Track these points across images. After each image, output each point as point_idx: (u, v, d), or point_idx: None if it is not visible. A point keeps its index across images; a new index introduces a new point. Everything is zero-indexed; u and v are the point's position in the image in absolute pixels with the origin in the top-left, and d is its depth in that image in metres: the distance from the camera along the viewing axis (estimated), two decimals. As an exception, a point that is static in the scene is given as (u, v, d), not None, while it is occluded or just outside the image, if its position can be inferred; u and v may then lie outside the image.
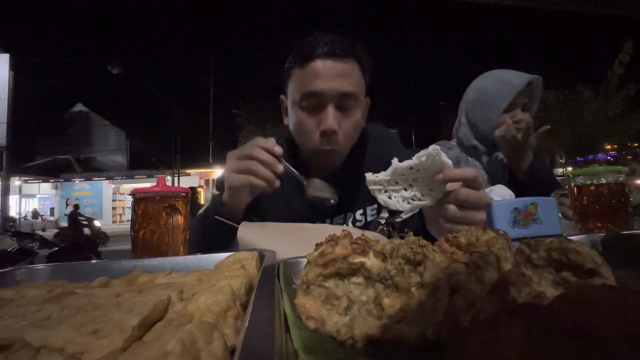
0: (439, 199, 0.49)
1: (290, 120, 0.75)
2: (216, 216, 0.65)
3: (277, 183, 0.59)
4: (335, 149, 0.70)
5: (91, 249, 3.51)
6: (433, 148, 0.46)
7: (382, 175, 0.49)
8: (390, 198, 0.49)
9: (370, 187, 0.50)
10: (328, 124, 0.66)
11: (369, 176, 0.49)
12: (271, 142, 0.59)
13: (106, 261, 0.43)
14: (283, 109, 0.80)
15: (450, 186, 0.48)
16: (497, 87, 1.06)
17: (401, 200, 0.49)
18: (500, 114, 1.04)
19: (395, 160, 0.48)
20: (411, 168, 0.47)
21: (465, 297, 0.22)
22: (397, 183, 0.49)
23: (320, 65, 0.67)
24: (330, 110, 0.67)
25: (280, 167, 0.58)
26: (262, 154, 0.57)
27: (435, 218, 0.55)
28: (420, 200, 0.49)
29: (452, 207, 0.49)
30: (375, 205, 0.88)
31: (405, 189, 0.49)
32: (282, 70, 0.75)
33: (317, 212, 0.80)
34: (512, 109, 1.05)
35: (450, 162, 0.46)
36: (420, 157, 0.46)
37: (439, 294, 0.23)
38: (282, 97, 0.79)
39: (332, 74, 0.67)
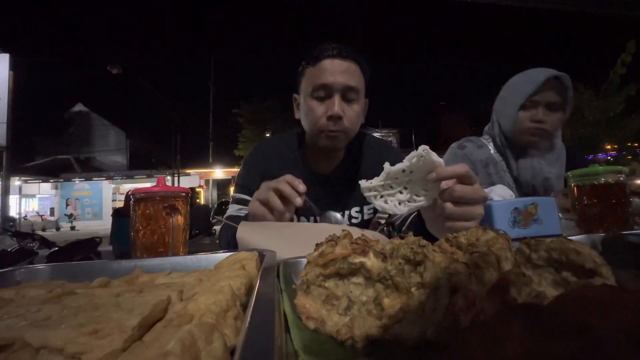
0: (435, 198, 0.49)
1: (302, 111, 0.88)
2: (216, 216, 0.69)
3: (287, 217, 0.65)
4: (340, 130, 0.81)
5: (91, 249, 3.51)
6: (422, 148, 0.45)
7: (376, 181, 0.48)
8: (386, 203, 0.49)
9: (366, 194, 0.49)
10: (334, 110, 0.79)
11: (363, 183, 0.49)
12: (298, 180, 0.65)
13: (106, 261, 0.43)
14: (295, 105, 0.92)
15: (444, 184, 0.48)
16: (519, 81, 0.98)
17: (397, 203, 0.49)
18: (516, 111, 0.97)
19: (387, 165, 0.48)
20: (403, 171, 0.47)
21: (465, 297, 0.22)
22: (391, 187, 0.49)
23: (329, 63, 0.80)
24: (337, 99, 0.80)
25: (298, 201, 0.63)
26: (285, 187, 0.63)
27: (434, 217, 0.55)
28: (416, 201, 0.48)
29: (449, 205, 0.49)
30: (372, 205, 0.92)
31: (401, 192, 0.49)
32: (296, 72, 0.89)
33: (319, 208, 0.90)
34: (532, 107, 0.96)
35: (441, 160, 0.46)
36: (410, 159, 0.46)
37: (439, 294, 0.23)
38: (294, 95, 0.92)
39: (339, 70, 0.80)
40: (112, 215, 3.75)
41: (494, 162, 1.05)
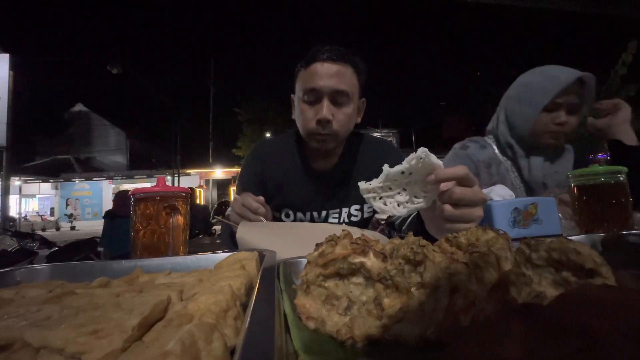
0: (434, 200, 0.49)
1: (295, 113, 0.90)
2: (216, 216, 0.71)
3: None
4: (330, 133, 0.83)
5: (91, 249, 3.50)
6: (422, 150, 0.45)
7: (375, 183, 0.48)
8: (385, 204, 0.49)
9: (365, 196, 0.49)
10: (322, 114, 0.80)
11: (362, 185, 0.49)
12: (253, 197, 0.72)
13: (106, 261, 0.43)
14: (293, 105, 0.93)
15: (444, 186, 0.48)
16: (540, 82, 0.94)
17: (397, 205, 0.48)
18: (539, 111, 0.92)
19: (386, 166, 0.48)
20: (403, 172, 0.47)
21: (465, 297, 0.22)
22: (390, 189, 0.49)
23: (319, 66, 0.81)
24: (325, 103, 0.81)
25: (262, 211, 0.70)
26: (250, 203, 0.71)
27: (433, 218, 0.55)
28: (415, 203, 0.48)
29: (448, 207, 0.49)
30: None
31: (400, 194, 0.49)
32: (293, 74, 0.90)
33: (316, 203, 0.93)
34: (555, 109, 0.92)
35: (440, 162, 0.46)
36: (410, 161, 0.46)
37: (439, 294, 0.23)
38: (292, 96, 0.93)
39: (328, 74, 0.80)
40: (103, 217, 3.50)
41: (497, 163, 1.04)
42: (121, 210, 3.37)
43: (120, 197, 3.59)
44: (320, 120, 0.81)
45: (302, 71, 0.84)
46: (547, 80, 0.92)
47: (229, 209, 0.94)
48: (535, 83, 0.95)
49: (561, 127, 0.93)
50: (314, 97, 0.82)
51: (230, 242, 0.80)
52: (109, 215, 3.40)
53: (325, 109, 0.80)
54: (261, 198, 0.72)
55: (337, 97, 0.81)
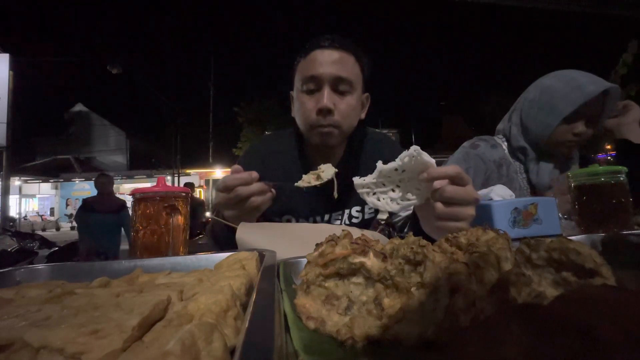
0: (427, 198, 0.50)
1: (295, 107, 0.84)
2: (212, 216, 0.69)
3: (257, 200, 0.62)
4: (332, 124, 0.76)
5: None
6: (414, 149, 0.46)
7: (369, 179, 0.50)
8: (379, 200, 0.50)
9: (359, 191, 0.50)
10: (323, 103, 0.74)
11: (357, 180, 0.50)
12: (235, 167, 0.63)
13: (106, 261, 0.43)
14: (292, 102, 0.87)
15: (437, 184, 0.48)
16: (565, 89, 0.89)
17: (390, 201, 0.49)
18: (559, 121, 0.89)
19: (379, 163, 0.48)
20: (396, 170, 0.48)
21: (465, 297, 0.22)
22: (384, 185, 0.49)
23: (320, 54, 0.76)
24: (326, 91, 0.75)
25: (254, 174, 0.61)
26: (233, 179, 0.60)
27: (427, 216, 0.55)
28: (408, 200, 0.49)
29: (439, 205, 0.49)
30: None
31: (393, 190, 0.50)
32: (291, 68, 0.84)
33: (318, 208, 0.88)
34: (575, 120, 0.89)
35: (432, 161, 0.47)
36: (402, 159, 0.47)
37: (439, 294, 0.23)
38: (291, 93, 0.87)
39: (329, 60, 0.75)
40: (79, 208, 3.00)
41: (507, 163, 1.02)
42: (100, 205, 2.96)
43: (102, 185, 3.05)
44: (321, 110, 0.74)
45: (302, 61, 0.79)
46: (572, 89, 0.88)
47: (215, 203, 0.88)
48: (558, 90, 0.91)
49: (577, 138, 0.91)
50: (314, 85, 0.76)
51: (219, 242, 0.74)
52: (83, 207, 3.00)
53: (326, 97, 0.74)
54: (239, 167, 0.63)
55: (338, 85, 0.75)
